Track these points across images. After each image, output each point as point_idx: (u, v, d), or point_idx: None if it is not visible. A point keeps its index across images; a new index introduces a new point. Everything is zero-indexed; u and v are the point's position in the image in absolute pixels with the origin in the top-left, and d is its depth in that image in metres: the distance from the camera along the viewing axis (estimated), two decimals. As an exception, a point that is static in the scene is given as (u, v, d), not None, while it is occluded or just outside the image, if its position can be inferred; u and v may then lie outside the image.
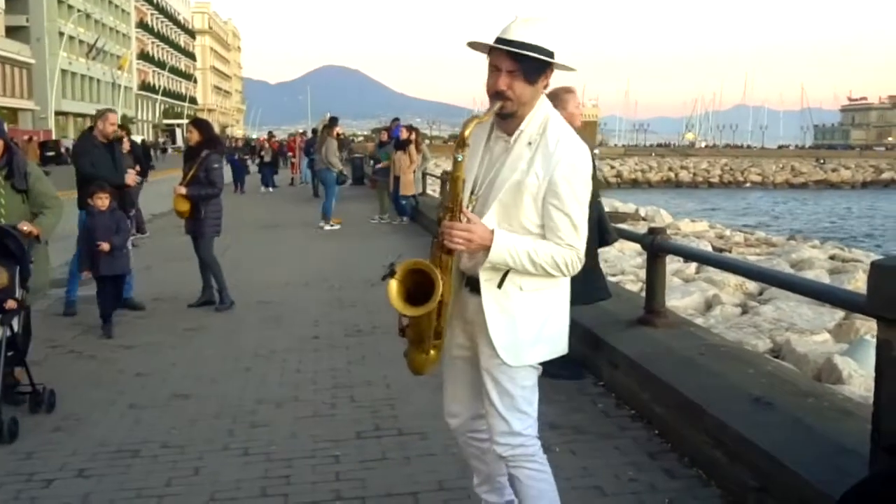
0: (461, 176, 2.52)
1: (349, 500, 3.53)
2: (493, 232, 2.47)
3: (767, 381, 4.05)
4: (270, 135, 33.62)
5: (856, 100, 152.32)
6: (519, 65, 2.44)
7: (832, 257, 15.70)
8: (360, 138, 56.10)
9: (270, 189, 24.41)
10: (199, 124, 7.77)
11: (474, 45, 2.54)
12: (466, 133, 2.51)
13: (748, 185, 67.74)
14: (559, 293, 2.65)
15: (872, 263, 2.55)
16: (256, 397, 4.94)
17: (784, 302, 9.86)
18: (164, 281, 8.82)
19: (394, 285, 2.51)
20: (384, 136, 17.06)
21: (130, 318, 7.21)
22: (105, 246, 6.51)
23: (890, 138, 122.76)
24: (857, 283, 11.79)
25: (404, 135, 13.76)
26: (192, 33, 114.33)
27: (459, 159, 2.50)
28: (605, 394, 4.89)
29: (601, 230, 5.12)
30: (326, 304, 7.69)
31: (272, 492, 3.63)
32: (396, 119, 18.42)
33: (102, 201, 6.69)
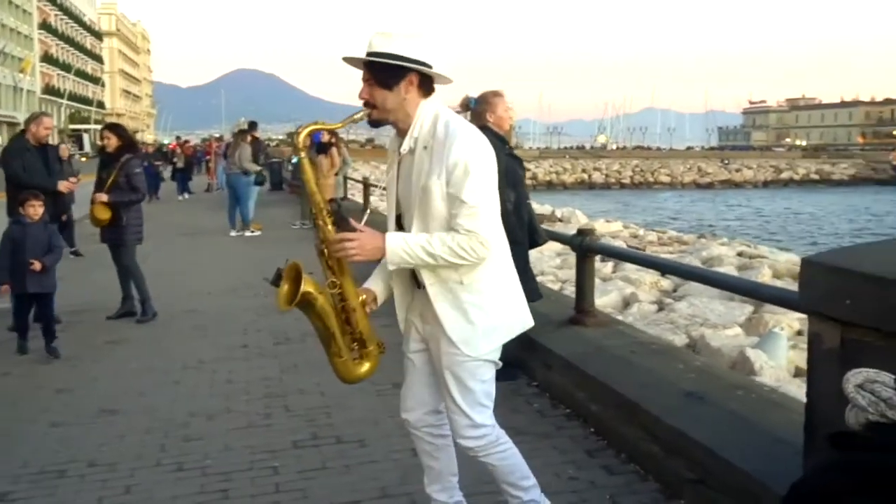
0: (311, 178, 2.72)
1: (291, 512, 3.49)
2: (383, 236, 2.59)
3: (697, 377, 4.18)
4: (182, 140, 32.84)
5: (756, 103, 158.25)
6: (371, 73, 2.60)
7: (740, 254, 16.23)
8: (275, 143, 55.30)
9: (186, 196, 23.95)
10: (116, 129, 7.55)
11: (347, 60, 2.68)
12: (300, 138, 2.71)
13: (658, 185, 69.64)
14: (503, 277, 2.75)
15: (803, 260, 2.65)
16: (188, 410, 4.81)
17: (697, 298, 10.17)
18: (79, 292, 8.50)
19: (284, 289, 2.64)
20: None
21: (45, 331, 6.94)
22: (37, 266, 6.05)
23: (788, 139, 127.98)
24: (764, 277, 12.30)
25: (325, 138, 13.66)
26: (98, 35, 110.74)
27: (299, 159, 2.72)
28: (540, 394, 4.95)
29: (531, 231, 5.18)
30: (253, 312, 7.55)
31: (211, 507, 3.55)
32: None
33: (35, 209, 6.22)
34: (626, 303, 10.60)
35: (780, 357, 7.15)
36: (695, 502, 3.36)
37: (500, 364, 2.86)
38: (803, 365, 7.13)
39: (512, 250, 4.95)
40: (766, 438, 3.33)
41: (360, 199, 17.11)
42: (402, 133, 2.69)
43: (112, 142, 7.29)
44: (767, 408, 3.64)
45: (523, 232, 5.07)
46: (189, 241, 13.47)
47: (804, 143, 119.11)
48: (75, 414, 4.83)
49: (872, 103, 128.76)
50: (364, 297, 2.79)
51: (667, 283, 11.65)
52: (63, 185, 7.45)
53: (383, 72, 2.58)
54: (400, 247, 2.56)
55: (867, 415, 1.88)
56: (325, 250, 2.67)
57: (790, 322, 8.58)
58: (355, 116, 2.68)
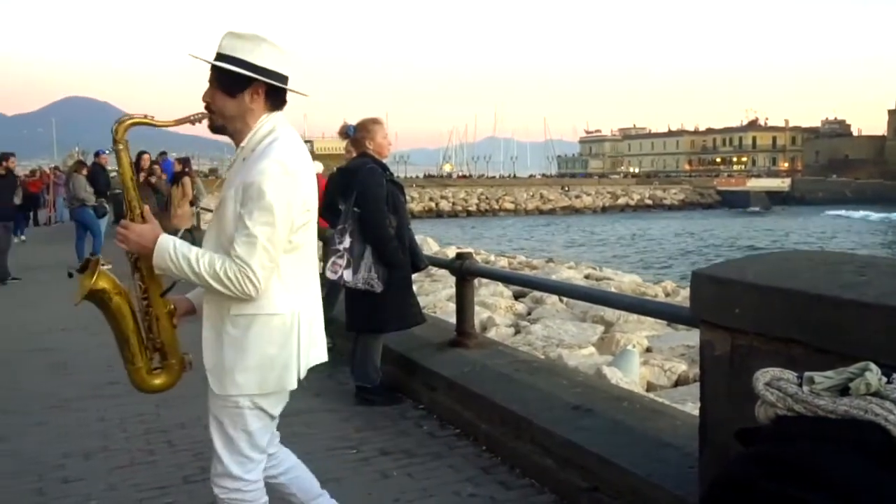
0: (126, 171, 2.55)
1: (191, 548, 3.38)
2: (158, 235, 2.45)
3: (582, 391, 4.37)
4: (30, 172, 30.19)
5: (592, 132, 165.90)
6: (216, 75, 2.47)
7: (587, 276, 16.96)
8: (114, 174, 52.74)
9: (22, 238, 20.04)
10: None
11: (195, 58, 2.52)
12: (120, 132, 2.53)
13: (503, 212, 71.61)
14: (280, 323, 2.50)
15: (693, 273, 2.87)
16: (60, 451, 4.54)
17: (551, 320, 10.59)
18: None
19: (86, 281, 2.50)
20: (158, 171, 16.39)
21: None
22: None
23: (622, 167, 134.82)
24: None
25: (177, 168, 13.28)
26: None
27: (116, 151, 2.54)
28: (427, 416, 5.02)
29: (413, 256, 5.27)
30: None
31: (103, 549, 3.39)
32: (164, 153, 17.66)
33: None
34: (484, 327, 10.87)
35: (633, 373, 7.55)
36: (592, 509, 3.53)
37: (276, 415, 2.64)
38: (654, 380, 7.60)
39: (395, 274, 5.07)
40: (653, 444, 3.54)
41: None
42: (237, 144, 2.53)
43: None
44: (651, 416, 3.86)
45: (405, 256, 5.15)
46: (35, 275, 12.67)
47: (637, 170, 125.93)
48: (-72, 463, 4.46)
49: (696, 133, 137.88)
50: (172, 306, 2.61)
51: (521, 306, 12.04)
52: None
53: (228, 78, 2.43)
54: (167, 251, 2.40)
55: (776, 409, 2.05)
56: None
57: (639, 340, 9.08)
58: (191, 117, 2.54)
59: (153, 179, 13.53)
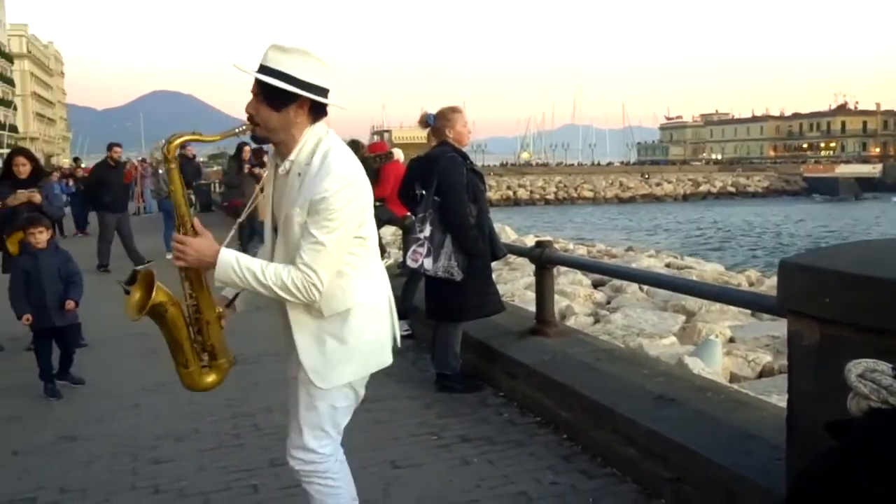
0: (178, 188, 2.60)
1: (278, 528, 3.48)
2: (217, 249, 2.50)
3: (664, 380, 4.32)
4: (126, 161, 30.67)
5: (672, 118, 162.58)
6: (261, 89, 2.50)
7: (668, 265, 16.67)
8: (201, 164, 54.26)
9: (79, 235, 18.94)
10: (30, 154, 7.34)
11: (240, 69, 2.57)
12: (171, 151, 2.57)
13: (581, 200, 70.94)
14: (368, 310, 2.64)
15: (781, 261, 2.80)
16: (153, 433, 4.74)
17: (631, 309, 10.43)
18: (14, 319, 8.23)
19: (135, 297, 2.58)
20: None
21: (-12, 360, 6.74)
22: (71, 305, 5.74)
23: (704, 154, 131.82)
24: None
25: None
26: (9, 58, 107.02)
27: (167, 169, 2.62)
28: (507, 404, 5.03)
29: (492, 244, 5.29)
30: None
31: (195, 527, 3.52)
32: (245, 143, 18.03)
33: (36, 237, 5.79)
34: (563, 315, 10.81)
35: (715, 363, 7.40)
36: (675, 500, 3.49)
37: (362, 395, 2.77)
38: (737, 371, 7.44)
39: (474, 263, 5.09)
40: (738, 435, 3.47)
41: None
42: (281, 154, 2.58)
43: (28, 168, 7.08)
44: (736, 407, 3.80)
45: (485, 245, 5.17)
46: (127, 263, 13.13)
47: (719, 156, 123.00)
48: (34, 442, 4.70)
49: (781, 118, 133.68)
50: (221, 309, 2.72)
51: (600, 295, 11.91)
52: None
53: (273, 92, 2.47)
54: (231, 265, 2.46)
55: (869, 402, 1.99)
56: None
57: (722, 330, 8.89)
58: (236, 130, 2.59)
59: (256, 170, 13.79)
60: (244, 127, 2.56)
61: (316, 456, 2.68)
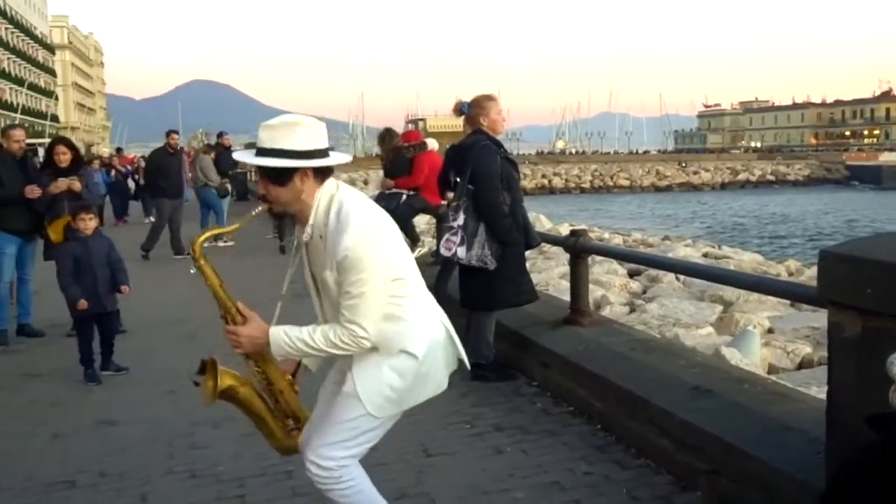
0: (214, 282, 2.69)
1: (311, 515, 3.50)
2: (266, 329, 2.60)
3: (700, 371, 4.27)
4: (119, 151, 30.40)
5: (710, 106, 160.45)
6: (263, 171, 2.58)
7: (705, 255, 16.47)
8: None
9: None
10: (70, 144, 7.44)
11: (240, 159, 2.64)
12: (198, 250, 2.66)
13: (617, 189, 70.41)
14: (423, 350, 2.66)
15: (821, 251, 2.75)
16: (190, 419, 4.79)
17: (667, 299, 10.31)
18: (57, 306, 8.38)
19: (209, 385, 2.76)
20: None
21: (30, 345, 6.88)
22: (126, 289, 5.91)
23: (742, 142, 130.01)
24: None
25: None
26: (51, 48, 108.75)
27: (198, 268, 2.69)
28: (541, 393, 5.01)
29: (526, 233, 5.26)
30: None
31: (230, 512, 3.56)
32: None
33: (86, 223, 5.87)
34: (598, 305, 10.72)
35: (753, 354, 7.30)
36: (711, 493, 3.44)
37: (385, 419, 2.74)
38: (776, 362, 7.33)
39: (508, 252, 5.07)
40: (776, 427, 3.42)
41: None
42: (302, 221, 2.65)
43: (69, 156, 7.18)
44: (774, 399, 3.74)
45: (519, 233, 5.14)
46: (165, 251, 13.31)
47: (758, 144, 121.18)
48: (74, 426, 4.78)
49: (823, 105, 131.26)
50: (290, 376, 2.82)
51: (636, 284, 11.79)
52: (30, 191, 6.90)
53: (274, 171, 2.54)
54: (282, 340, 2.57)
55: (912, 395, 1.94)
56: None
57: (760, 321, 8.77)
58: (253, 213, 2.71)
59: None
60: (260, 209, 2.68)
61: (332, 462, 2.67)
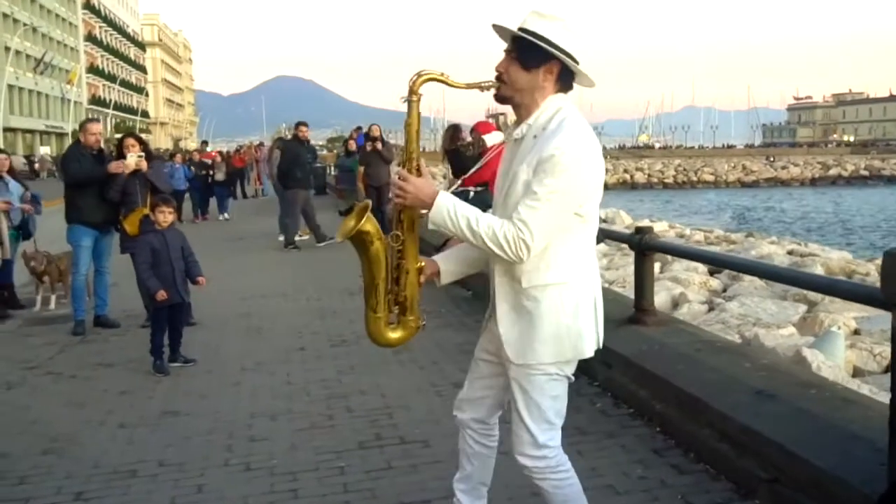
0: (413, 123, 2.57)
1: (361, 511, 3.50)
2: (437, 191, 2.49)
3: (767, 374, 4.10)
4: (237, 148, 31.20)
5: (801, 99, 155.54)
6: (515, 47, 2.50)
7: (790, 252, 15.91)
8: (317, 147, 55.84)
9: (226, 216, 19.70)
10: (140, 138, 7.61)
11: (496, 28, 2.58)
12: (417, 85, 2.54)
13: (701, 184, 68.79)
14: (568, 292, 2.52)
15: (885, 253, 2.60)
16: (250, 411, 4.86)
17: (748, 297, 9.97)
18: (132, 297, 8.64)
19: (349, 223, 2.57)
20: (352, 145, 17.10)
21: (106, 335, 7.09)
22: (203, 280, 6.12)
23: (835, 135, 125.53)
24: (817, 275, 12.00)
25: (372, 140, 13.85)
26: (142, 46, 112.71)
27: (410, 101, 2.55)
28: (602, 393, 4.90)
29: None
30: (307, 315, 7.62)
31: (282, 506, 3.58)
32: (359, 127, 18.33)
33: (165, 216, 6.02)
34: (675, 303, 10.44)
35: (837, 357, 7.00)
36: (770, 501, 3.30)
37: (573, 379, 2.68)
38: (861, 365, 7.00)
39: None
40: (841, 435, 3.26)
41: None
42: (520, 117, 2.57)
43: (137, 149, 7.31)
44: (841, 405, 3.56)
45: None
46: (236, 245, 13.61)
47: (852, 138, 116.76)
48: (140, 415, 4.90)
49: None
50: (423, 264, 2.69)
51: (716, 282, 11.46)
52: (115, 167, 7.08)
53: (528, 51, 2.47)
54: (446, 208, 2.45)
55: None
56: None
57: (846, 321, 8.40)
58: (482, 84, 2.56)
59: (379, 146, 13.88)
60: (490, 83, 2.55)
61: (547, 450, 2.64)
